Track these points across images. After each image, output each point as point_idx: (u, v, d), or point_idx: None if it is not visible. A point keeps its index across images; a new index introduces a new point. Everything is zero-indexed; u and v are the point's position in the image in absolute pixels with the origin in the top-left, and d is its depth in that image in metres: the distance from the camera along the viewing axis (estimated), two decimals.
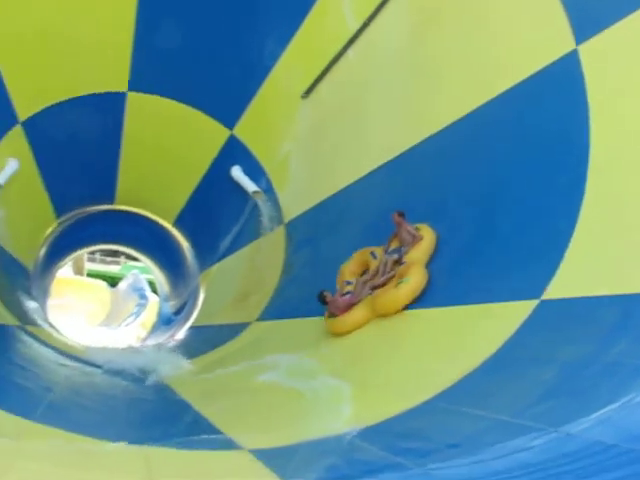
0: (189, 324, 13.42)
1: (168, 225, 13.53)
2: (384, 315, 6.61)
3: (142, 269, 24.89)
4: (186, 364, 9.46)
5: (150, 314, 20.69)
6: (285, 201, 9.99)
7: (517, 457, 3.34)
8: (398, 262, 6.89)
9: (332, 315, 7.04)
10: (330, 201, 8.57)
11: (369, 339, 6.75)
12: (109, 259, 34.31)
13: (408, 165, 7.08)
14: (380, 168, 7.50)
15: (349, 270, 7.36)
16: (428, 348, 5.75)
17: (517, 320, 4.88)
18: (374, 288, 6.93)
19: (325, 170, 8.90)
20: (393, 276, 6.79)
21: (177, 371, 9.10)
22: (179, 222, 13.23)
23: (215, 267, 12.56)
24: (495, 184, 5.97)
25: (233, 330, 9.90)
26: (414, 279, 6.44)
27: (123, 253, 23.01)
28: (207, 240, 12.54)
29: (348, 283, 7.20)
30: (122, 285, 26.93)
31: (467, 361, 4.89)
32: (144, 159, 11.34)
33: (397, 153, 7.13)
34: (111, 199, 12.68)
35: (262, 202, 10.31)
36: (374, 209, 7.60)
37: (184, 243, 13.83)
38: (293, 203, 9.78)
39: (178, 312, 15.71)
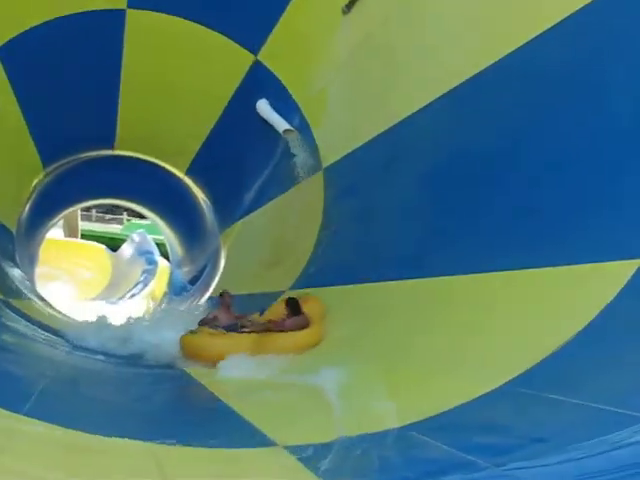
0: (207, 295, 13.59)
1: (180, 173, 13.73)
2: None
3: (149, 228, 25.73)
4: None
5: (159, 283, 21.18)
6: (323, 141, 9.89)
7: (619, 455, 3.25)
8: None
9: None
10: (379, 140, 8.36)
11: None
12: (108, 217, 35.58)
13: (478, 93, 6.72)
14: (441, 98, 7.14)
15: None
16: (513, 319, 5.60)
17: (618, 283, 4.65)
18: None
19: (373, 102, 8.69)
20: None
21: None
22: (193, 169, 13.41)
23: (239, 224, 12.78)
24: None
25: (262, 302, 9.96)
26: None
27: (125, 209, 24.06)
28: (228, 191, 12.75)
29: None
30: (125, 248, 27.37)
31: (557, 333, 4.76)
32: (149, 92, 11.45)
33: (464, 78, 6.72)
34: (109, 142, 12.85)
35: (295, 143, 10.25)
36: (434, 150, 7.40)
37: (200, 195, 14.10)
38: (333, 143, 9.65)
39: (194, 280, 16.05)
